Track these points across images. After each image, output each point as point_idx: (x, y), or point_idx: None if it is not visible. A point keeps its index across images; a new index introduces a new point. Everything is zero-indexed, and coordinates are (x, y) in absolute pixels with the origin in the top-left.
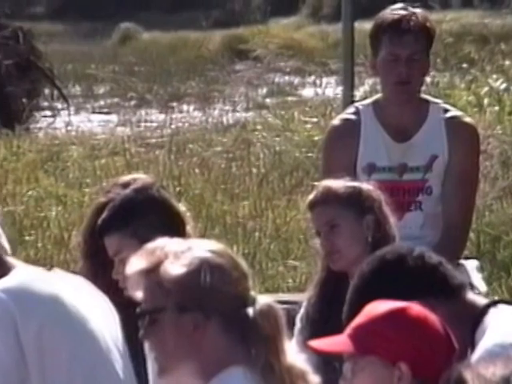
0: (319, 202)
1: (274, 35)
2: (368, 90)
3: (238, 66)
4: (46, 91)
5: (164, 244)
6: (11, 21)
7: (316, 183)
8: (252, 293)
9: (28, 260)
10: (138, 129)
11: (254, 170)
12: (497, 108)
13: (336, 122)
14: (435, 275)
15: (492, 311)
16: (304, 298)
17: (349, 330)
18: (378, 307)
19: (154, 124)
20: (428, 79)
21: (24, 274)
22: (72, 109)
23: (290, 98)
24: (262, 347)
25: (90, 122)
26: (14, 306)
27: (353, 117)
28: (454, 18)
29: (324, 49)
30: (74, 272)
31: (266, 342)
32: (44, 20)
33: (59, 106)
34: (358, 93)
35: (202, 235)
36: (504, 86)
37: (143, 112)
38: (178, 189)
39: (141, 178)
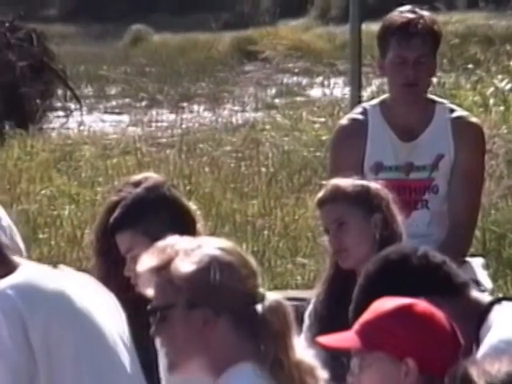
0: (328, 200)
1: (283, 37)
2: (375, 90)
3: (247, 67)
4: (59, 92)
5: (174, 242)
6: (25, 23)
7: (324, 182)
8: (261, 289)
9: (41, 257)
10: (149, 129)
11: (263, 169)
12: (502, 108)
13: (344, 121)
14: (439, 274)
15: (496, 308)
16: (312, 294)
17: (356, 326)
18: (385, 304)
19: (165, 124)
20: (434, 80)
21: (30, 272)
22: (84, 109)
23: (298, 99)
24: (271, 343)
25: (102, 122)
26: (22, 302)
27: (360, 117)
28: (459, 20)
29: (332, 50)
30: (85, 270)
31: (275, 337)
32: (57, 22)
33: (72, 106)
34: (366, 93)
35: (212, 233)
36: (509, 86)
37: (154, 112)
38: (188, 187)
39: (152, 176)
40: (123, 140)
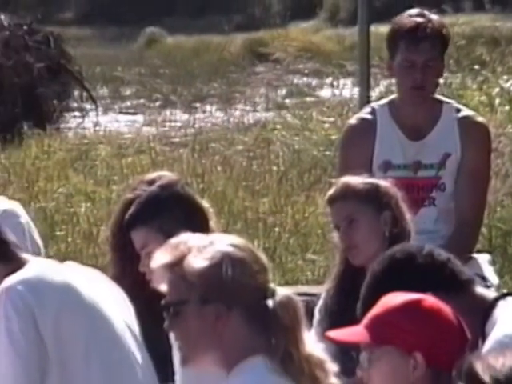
0: (338, 198)
1: (293, 38)
2: (383, 90)
3: (258, 68)
4: (76, 93)
5: (187, 239)
6: (43, 26)
7: (333, 180)
8: (272, 285)
9: (59, 254)
10: (162, 128)
11: (274, 168)
12: (507, 108)
13: (353, 121)
14: (444, 271)
15: (501, 304)
16: (322, 290)
17: (365, 320)
18: (394, 299)
19: (178, 124)
20: (441, 80)
21: (38, 267)
22: (100, 109)
23: (308, 99)
24: (281, 337)
25: (117, 122)
26: (32, 298)
27: (369, 116)
28: (466, 22)
29: (341, 51)
30: (101, 266)
31: (286, 331)
32: (73, 25)
33: (88, 106)
34: (374, 93)
35: (225, 230)
36: None
37: (168, 112)
38: (201, 186)
39: (166, 175)
40: (138, 139)
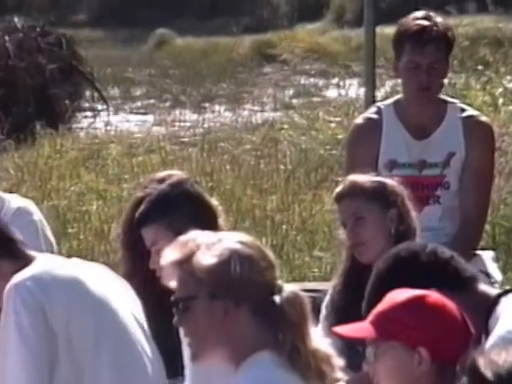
0: (346, 195)
1: (300, 40)
2: (389, 90)
3: (266, 69)
4: (87, 93)
5: (196, 236)
6: (55, 28)
7: (340, 179)
8: (279, 281)
9: (71, 251)
10: (172, 128)
11: (282, 167)
12: (511, 107)
13: (359, 120)
14: (448, 269)
15: (504, 300)
16: (329, 286)
17: (371, 316)
18: (399, 295)
19: (188, 124)
20: (445, 81)
21: (45, 263)
22: (111, 110)
23: (314, 99)
24: (288, 332)
25: (128, 122)
26: (41, 292)
27: (375, 116)
28: (469, 23)
29: (347, 52)
30: (112, 263)
31: (293, 327)
32: (85, 27)
33: (99, 107)
34: (379, 93)
35: (233, 228)
36: None
37: (177, 112)
38: (210, 184)
39: (175, 174)
40: (148, 139)
